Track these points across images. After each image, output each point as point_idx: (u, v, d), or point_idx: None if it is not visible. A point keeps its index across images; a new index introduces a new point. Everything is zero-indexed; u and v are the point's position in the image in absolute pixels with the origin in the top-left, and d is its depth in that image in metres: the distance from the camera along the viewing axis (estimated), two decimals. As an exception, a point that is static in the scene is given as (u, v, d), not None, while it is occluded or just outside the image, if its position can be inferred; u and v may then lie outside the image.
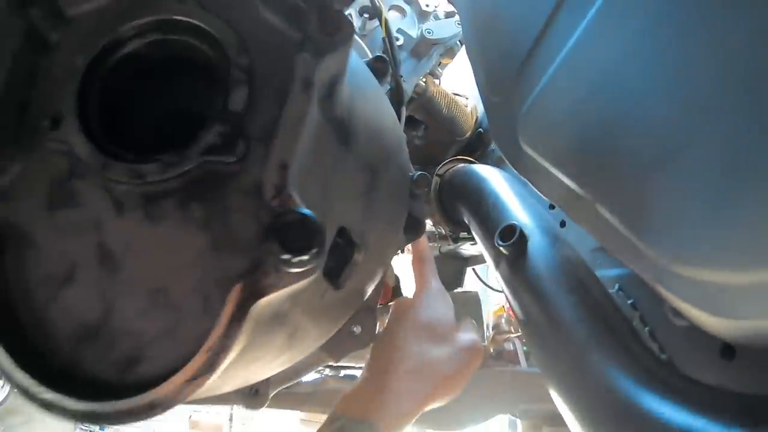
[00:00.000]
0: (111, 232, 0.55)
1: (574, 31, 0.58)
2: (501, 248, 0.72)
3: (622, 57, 0.54)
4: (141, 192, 0.55)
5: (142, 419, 0.48)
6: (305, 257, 0.47)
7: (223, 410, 5.65)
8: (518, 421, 0.96)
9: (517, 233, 0.71)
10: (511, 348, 0.89)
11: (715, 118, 0.44)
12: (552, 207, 0.92)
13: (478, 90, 0.77)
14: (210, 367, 0.48)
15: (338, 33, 0.56)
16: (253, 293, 0.48)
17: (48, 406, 0.50)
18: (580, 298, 0.64)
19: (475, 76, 0.78)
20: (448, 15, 1.51)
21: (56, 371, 0.53)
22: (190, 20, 0.61)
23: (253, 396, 0.81)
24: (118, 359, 0.53)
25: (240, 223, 0.54)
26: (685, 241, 0.49)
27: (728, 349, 0.55)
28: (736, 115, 0.42)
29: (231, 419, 5.85)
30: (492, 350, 0.98)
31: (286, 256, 0.46)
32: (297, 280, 0.49)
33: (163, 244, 0.54)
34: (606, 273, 0.72)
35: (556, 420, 0.95)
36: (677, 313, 0.60)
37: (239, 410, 5.65)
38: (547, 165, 0.64)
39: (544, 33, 0.62)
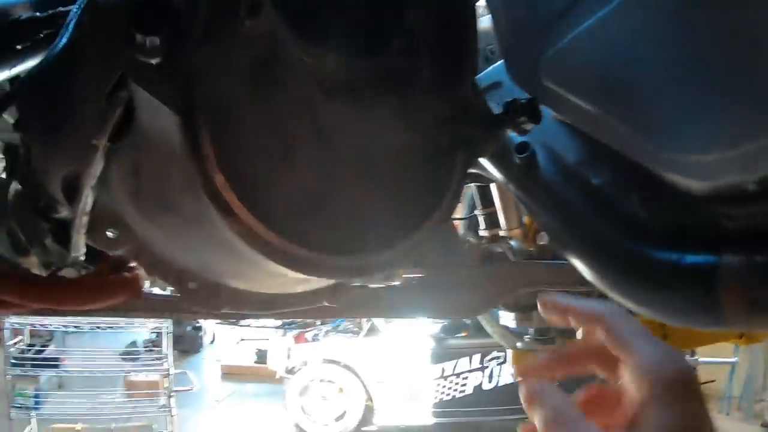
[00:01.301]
0: (322, 113, 0.58)
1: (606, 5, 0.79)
2: (518, 160, 0.91)
3: (641, 30, 0.77)
4: (347, 80, 0.59)
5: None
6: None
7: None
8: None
9: (530, 148, 0.90)
10: (499, 251, 1.07)
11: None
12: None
13: (497, 33, 0.93)
14: (446, 216, 0.57)
15: None
16: (471, 156, 0.59)
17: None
18: (583, 189, 0.87)
19: (495, 22, 0.93)
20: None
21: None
22: None
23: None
24: (339, 215, 0.57)
25: (426, 114, 0.63)
26: (681, 138, 0.75)
27: (680, 227, 0.84)
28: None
29: (168, 374, 5.09)
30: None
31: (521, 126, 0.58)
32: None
33: (368, 125, 0.60)
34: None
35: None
36: (643, 206, 0.87)
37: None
38: (568, 95, 0.85)
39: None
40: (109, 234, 0.74)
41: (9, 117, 1.06)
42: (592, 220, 0.86)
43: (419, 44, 0.64)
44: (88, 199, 0.70)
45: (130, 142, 0.63)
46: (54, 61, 0.67)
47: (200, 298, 0.75)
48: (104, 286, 0.84)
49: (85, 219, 0.72)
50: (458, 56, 0.64)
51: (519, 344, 1.17)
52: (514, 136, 1.02)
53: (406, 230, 0.57)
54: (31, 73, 0.75)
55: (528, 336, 1.15)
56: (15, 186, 0.97)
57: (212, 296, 0.75)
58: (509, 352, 1.19)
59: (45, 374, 5.26)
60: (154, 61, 0.47)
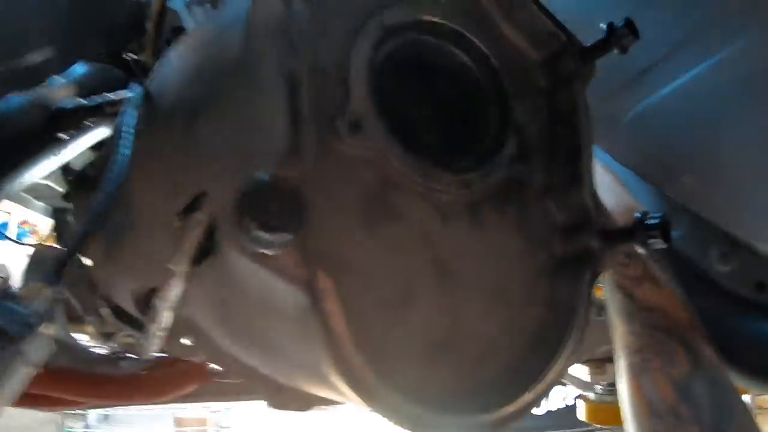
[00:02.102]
0: (443, 244, 0.49)
1: (694, 67, 0.70)
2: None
3: (726, 103, 0.69)
4: (464, 201, 0.50)
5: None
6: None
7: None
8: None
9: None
10: None
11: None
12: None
13: None
14: (580, 343, 0.50)
15: (593, 66, 0.58)
16: (595, 275, 0.51)
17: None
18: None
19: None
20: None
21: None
22: (453, 26, 0.55)
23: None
24: (469, 361, 0.50)
25: (539, 221, 0.55)
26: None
27: (761, 285, 0.77)
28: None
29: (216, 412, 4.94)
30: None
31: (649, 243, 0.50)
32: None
33: (491, 248, 0.52)
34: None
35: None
36: (722, 261, 0.80)
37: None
38: (652, 157, 0.77)
39: (662, 60, 0.73)
40: (185, 342, 0.66)
41: (56, 185, 0.96)
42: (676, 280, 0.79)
43: (530, 145, 0.55)
44: (164, 317, 0.61)
45: (213, 272, 0.54)
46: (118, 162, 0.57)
47: (269, 394, 0.68)
48: (176, 378, 0.77)
49: (160, 333, 0.64)
50: (573, 158, 0.55)
51: (592, 395, 1.12)
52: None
53: (533, 376, 0.49)
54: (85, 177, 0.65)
55: (600, 387, 1.10)
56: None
57: (277, 393, 0.68)
58: (580, 404, 1.14)
59: (93, 411, 5.10)
60: (278, 247, 0.37)
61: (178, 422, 5.28)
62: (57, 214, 0.96)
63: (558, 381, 0.50)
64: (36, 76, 0.60)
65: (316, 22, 0.48)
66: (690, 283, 0.79)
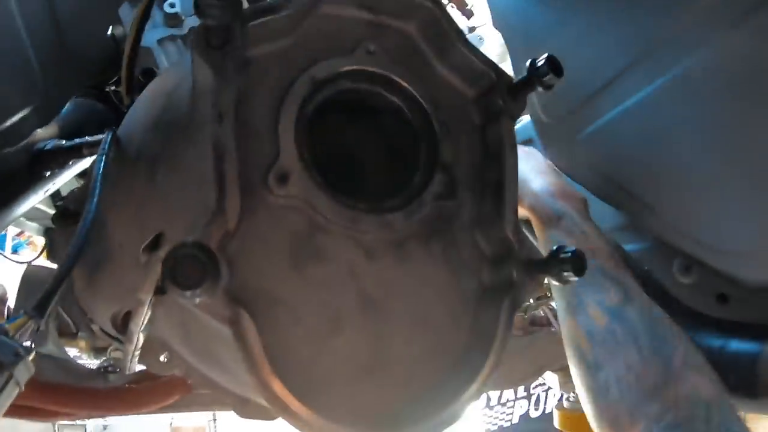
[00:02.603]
0: (368, 279, 0.59)
1: (644, 88, 0.78)
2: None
3: (679, 117, 0.76)
4: (389, 239, 0.60)
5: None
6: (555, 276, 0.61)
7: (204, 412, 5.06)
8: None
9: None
10: (542, 314, 1.08)
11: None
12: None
13: (530, 111, 0.93)
14: (497, 365, 0.59)
15: (522, 102, 0.67)
16: (515, 304, 0.61)
17: None
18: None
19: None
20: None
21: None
22: (384, 72, 0.64)
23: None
24: (394, 383, 0.60)
25: (467, 252, 0.64)
26: (723, 231, 0.76)
27: (722, 297, 0.85)
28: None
29: (214, 419, 5.21)
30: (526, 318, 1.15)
31: (563, 276, 0.59)
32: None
33: (415, 280, 0.61)
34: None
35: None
36: (684, 273, 0.88)
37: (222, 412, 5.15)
38: (604, 176, 0.85)
39: (614, 81, 0.81)
40: (161, 359, 0.79)
41: (48, 208, 1.10)
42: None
43: (459, 181, 0.65)
44: (138, 337, 0.73)
45: (173, 301, 0.65)
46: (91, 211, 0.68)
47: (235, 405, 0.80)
48: (158, 390, 0.89)
49: (136, 352, 0.76)
50: (498, 193, 0.64)
51: (565, 404, 1.21)
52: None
53: (454, 394, 0.59)
54: (64, 212, 0.77)
55: (573, 396, 1.18)
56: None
57: (243, 405, 0.80)
58: (555, 411, 1.22)
59: (92, 421, 5.25)
60: (196, 298, 0.48)
61: (175, 431, 5.50)
62: (49, 233, 1.09)
63: (474, 400, 0.60)
64: (20, 134, 0.71)
65: (250, 84, 0.58)
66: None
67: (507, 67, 1.00)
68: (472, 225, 0.65)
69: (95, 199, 0.65)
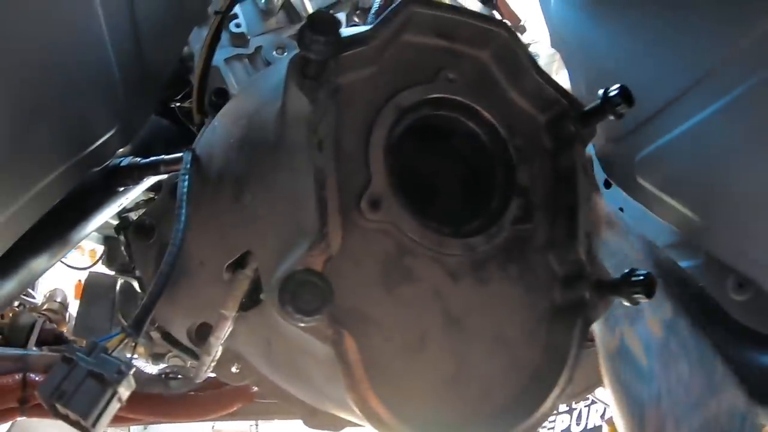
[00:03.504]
0: (451, 299, 0.62)
1: (706, 108, 0.80)
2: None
3: (739, 139, 0.78)
4: (471, 261, 0.63)
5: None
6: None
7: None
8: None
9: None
10: None
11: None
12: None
13: None
14: (570, 383, 0.62)
15: (593, 129, 0.70)
16: (587, 324, 0.63)
17: None
18: (680, 287, 0.90)
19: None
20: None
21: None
22: (464, 100, 0.67)
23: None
24: (473, 396, 0.63)
25: (541, 273, 0.67)
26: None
27: (777, 314, 0.87)
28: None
29: (256, 424, 5.33)
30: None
31: (633, 298, 0.62)
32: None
33: (494, 300, 0.64)
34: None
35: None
36: (737, 291, 0.90)
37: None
38: (663, 195, 0.87)
39: (674, 101, 0.83)
40: (234, 369, 0.82)
41: (112, 220, 1.14)
42: (689, 316, 0.90)
43: (535, 204, 0.68)
44: (216, 351, 0.77)
45: (258, 318, 0.69)
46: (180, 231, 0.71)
47: (305, 415, 0.84)
48: (221, 398, 0.92)
49: (212, 363, 0.79)
50: (571, 216, 0.67)
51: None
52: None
53: (529, 409, 0.62)
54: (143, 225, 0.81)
55: None
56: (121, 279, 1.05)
57: (312, 415, 0.83)
58: (604, 425, 1.25)
59: (133, 425, 5.39)
60: (310, 323, 0.51)
61: None
62: (109, 242, 1.13)
63: (548, 415, 0.62)
64: (104, 155, 0.75)
65: (341, 112, 0.61)
66: (704, 317, 0.90)
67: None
68: (546, 247, 0.67)
69: (183, 219, 0.68)
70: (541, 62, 1.39)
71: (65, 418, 0.57)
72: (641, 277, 0.62)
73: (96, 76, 0.69)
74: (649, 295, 0.62)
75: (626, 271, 0.64)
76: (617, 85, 0.67)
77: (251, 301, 0.70)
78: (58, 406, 0.56)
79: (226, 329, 0.73)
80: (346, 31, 0.62)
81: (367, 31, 0.62)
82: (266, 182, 0.64)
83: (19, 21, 0.51)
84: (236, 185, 0.68)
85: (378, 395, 0.57)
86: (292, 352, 0.67)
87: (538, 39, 1.45)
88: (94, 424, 0.55)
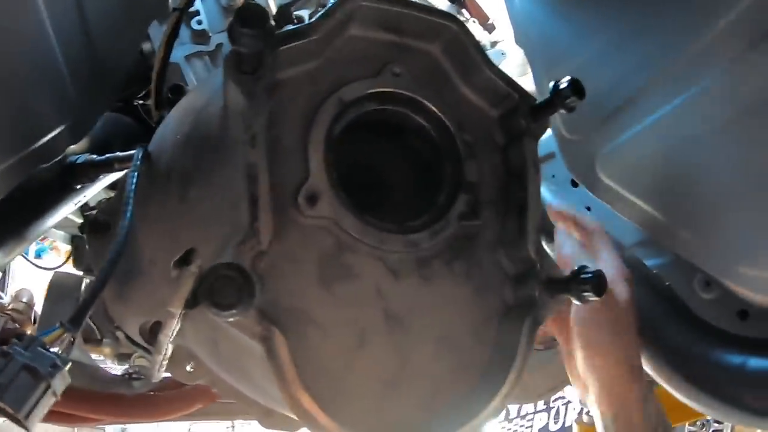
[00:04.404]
0: (392, 297, 0.62)
1: (664, 106, 0.80)
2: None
3: (698, 136, 0.78)
4: (415, 258, 0.63)
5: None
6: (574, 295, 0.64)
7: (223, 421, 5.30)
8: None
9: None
10: None
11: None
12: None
13: (552, 126, 0.95)
14: (517, 383, 0.62)
15: (545, 123, 0.69)
16: (536, 323, 0.63)
17: None
18: (644, 286, 0.90)
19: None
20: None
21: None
22: (410, 94, 0.67)
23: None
24: (418, 396, 0.62)
25: (490, 271, 0.67)
26: (742, 251, 0.77)
27: (743, 313, 0.86)
28: None
29: (233, 427, 5.39)
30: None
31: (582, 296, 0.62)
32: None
33: (439, 299, 0.64)
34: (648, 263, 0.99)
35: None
36: (704, 289, 0.89)
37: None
38: (625, 193, 0.87)
39: (634, 98, 0.83)
40: (188, 368, 0.82)
41: (75, 216, 1.14)
42: (653, 315, 0.89)
43: (483, 200, 0.67)
44: (167, 348, 0.77)
45: (203, 316, 0.69)
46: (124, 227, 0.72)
47: (259, 416, 0.83)
48: (181, 398, 0.92)
49: (164, 361, 0.79)
50: (521, 213, 0.67)
51: (585, 418, 1.22)
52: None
53: (475, 410, 0.61)
54: (97, 224, 0.81)
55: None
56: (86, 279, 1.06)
57: (267, 416, 0.83)
58: (574, 425, 1.24)
59: (111, 427, 5.48)
60: (232, 317, 0.51)
61: None
62: (75, 240, 1.14)
63: (493, 417, 0.62)
64: (54, 151, 0.75)
65: (280, 107, 0.61)
66: (672, 316, 0.89)
67: (529, 80, 1.02)
68: (495, 244, 0.67)
69: (128, 215, 0.68)
70: (512, 61, 1.39)
71: (3, 412, 0.57)
72: (590, 275, 0.62)
73: (41, 69, 0.69)
74: (599, 293, 0.62)
75: (576, 268, 0.63)
76: (567, 78, 0.66)
77: (196, 299, 0.70)
78: (-7, 400, 0.56)
79: (173, 327, 0.73)
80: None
81: (307, 24, 0.62)
82: (209, 179, 0.64)
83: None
84: (182, 181, 0.68)
85: (313, 395, 0.56)
86: (236, 351, 0.67)
87: (507, 37, 1.45)
88: (26, 417, 0.55)
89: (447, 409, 0.62)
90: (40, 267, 1.36)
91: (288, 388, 0.54)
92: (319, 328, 0.59)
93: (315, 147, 0.61)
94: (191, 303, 0.69)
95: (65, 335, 0.64)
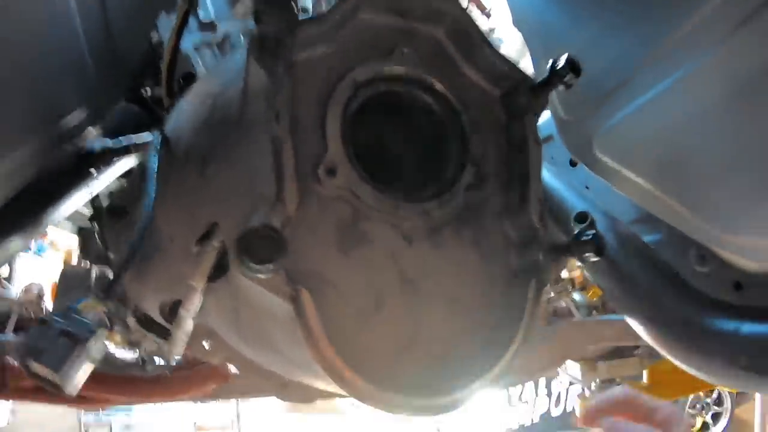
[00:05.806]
0: (406, 262, 0.68)
1: (657, 86, 0.87)
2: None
3: (691, 113, 0.85)
4: (426, 226, 0.70)
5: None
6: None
7: (229, 411, 5.51)
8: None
9: (589, 218, 1.00)
10: (563, 305, 1.16)
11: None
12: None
13: (550, 105, 1.02)
14: (525, 341, 0.69)
15: (544, 100, 0.76)
16: (542, 285, 0.70)
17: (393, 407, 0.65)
18: (642, 258, 0.97)
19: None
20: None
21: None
22: (418, 74, 0.74)
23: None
24: (432, 356, 0.69)
25: (496, 238, 0.74)
26: (736, 221, 0.85)
27: (738, 284, 0.94)
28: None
29: (238, 418, 5.48)
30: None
31: (584, 257, 0.68)
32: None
33: (449, 264, 0.71)
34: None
35: (608, 356, 1.27)
36: (700, 262, 0.97)
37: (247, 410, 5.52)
38: (623, 170, 0.94)
39: (629, 79, 0.90)
40: (205, 345, 0.88)
41: (83, 209, 1.20)
42: (652, 287, 0.97)
43: (488, 173, 0.74)
44: (187, 324, 0.83)
45: (225, 287, 0.75)
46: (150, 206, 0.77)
47: (276, 388, 0.90)
48: (195, 378, 0.98)
49: (184, 338, 0.85)
50: (524, 184, 0.73)
51: (588, 394, 1.29)
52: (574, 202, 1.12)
53: (487, 366, 0.68)
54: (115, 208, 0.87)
55: (594, 384, 1.27)
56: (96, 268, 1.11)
57: (283, 388, 0.89)
58: (577, 401, 1.31)
59: (117, 419, 5.59)
60: (266, 273, 0.57)
61: (199, 429, 5.68)
62: (82, 232, 1.19)
63: (504, 373, 0.69)
64: (72, 133, 0.81)
65: (299, 87, 0.68)
66: (668, 290, 0.97)
67: (526, 64, 1.09)
68: (500, 213, 0.74)
69: (153, 195, 0.74)
70: (508, 48, 1.46)
71: (39, 378, 0.63)
72: (590, 236, 0.69)
73: (65, 52, 0.75)
74: (599, 253, 0.68)
75: (575, 232, 0.70)
76: (564, 56, 0.73)
77: (218, 272, 0.77)
78: (32, 365, 0.62)
79: (195, 302, 0.79)
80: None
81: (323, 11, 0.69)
82: (229, 156, 0.70)
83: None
84: (200, 161, 0.74)
85: (338, 352, 0.63)
86: (259, 318, 0.73)
87: (504, 24, 1.52)
88: (64, 379, 0.60)
89: (459, 367, 0.68)
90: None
91: (316, 344, 0.60)
92: (338, 291, 0.65)
93: (332, 124, 0.68)
94: (215, 276, 0.76)
95: (99, 305, 0.70)
